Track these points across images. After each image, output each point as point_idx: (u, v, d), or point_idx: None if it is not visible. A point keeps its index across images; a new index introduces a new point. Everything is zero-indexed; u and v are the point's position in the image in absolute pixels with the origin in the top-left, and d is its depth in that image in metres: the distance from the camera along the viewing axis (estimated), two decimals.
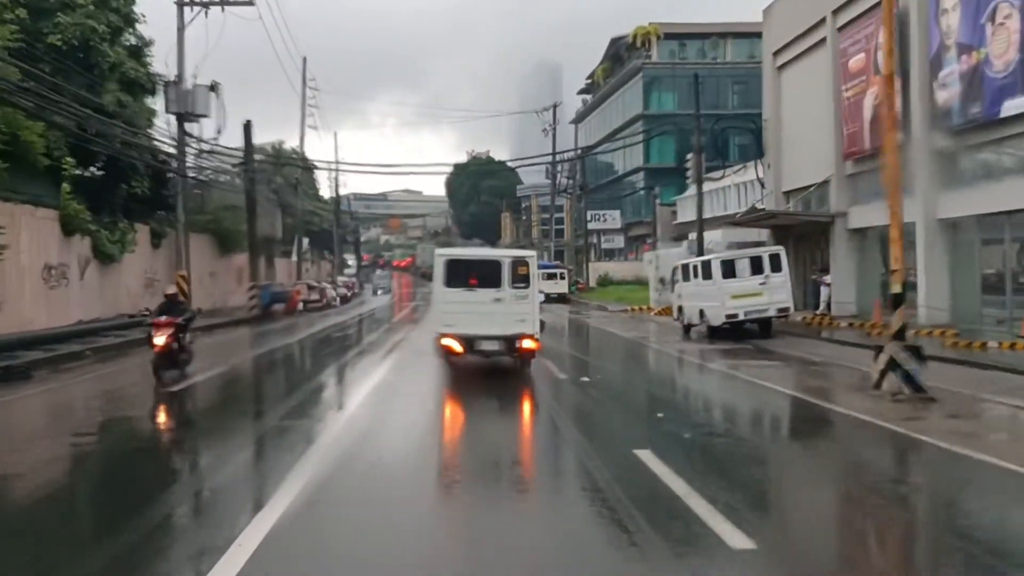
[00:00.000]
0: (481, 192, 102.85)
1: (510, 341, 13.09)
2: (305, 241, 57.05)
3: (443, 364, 14.55)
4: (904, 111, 19.33)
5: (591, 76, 74.62)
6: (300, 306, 38.66)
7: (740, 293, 19.14)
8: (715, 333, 20.03)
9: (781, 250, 20.11)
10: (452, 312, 13.37)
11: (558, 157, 51.41)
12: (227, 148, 30.31)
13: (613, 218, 56.09)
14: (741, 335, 19.95)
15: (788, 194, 28.89)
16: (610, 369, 16.96)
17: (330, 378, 16.16)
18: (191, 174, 32.55)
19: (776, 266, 19.44)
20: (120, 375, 15.81)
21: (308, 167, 52.56)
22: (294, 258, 55.41)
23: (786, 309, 19.63)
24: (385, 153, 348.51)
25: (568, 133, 70.92)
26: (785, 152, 28.93)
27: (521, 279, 13.13)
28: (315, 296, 45.35)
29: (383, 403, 11.92)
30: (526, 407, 11.89)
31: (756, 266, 19.39)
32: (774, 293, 19.27)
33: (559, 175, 55.49)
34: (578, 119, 73.90)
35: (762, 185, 31.02)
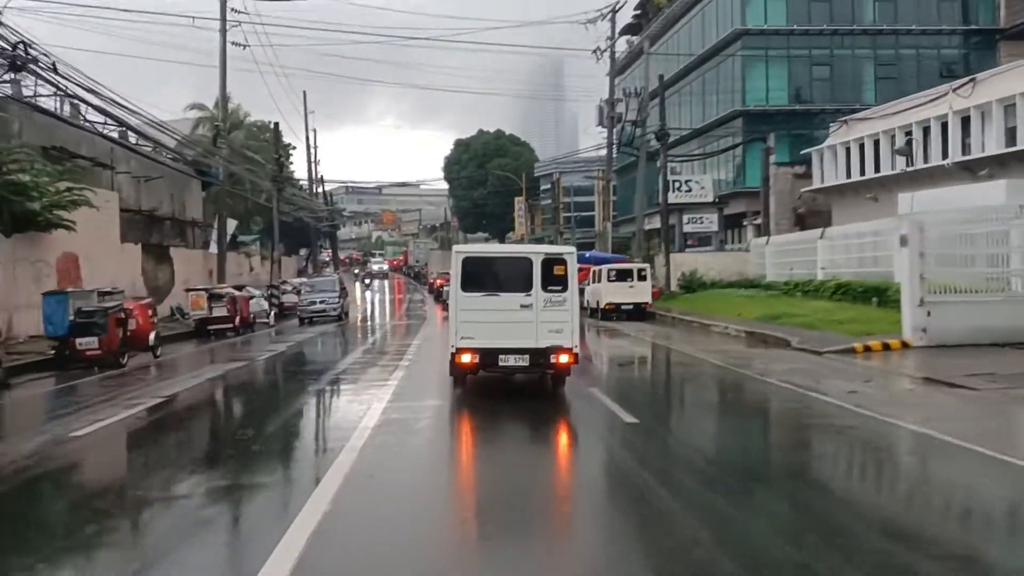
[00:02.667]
0: (488, 175, 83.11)
1: (541, 355, 10.76)
2: (232, 225, 37.26)
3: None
4: None
5: (641, 4, 54.95)
6: (152, 338, 19.08)
7: None
8: None
9: None
10: (471, 321, 10.89)
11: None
12: None
13: (702, 186, 36.65)
14: None
15: None
16: None
17: None
18: None
19: None
20: None
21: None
22: (213, 249, 35.72)
23: None
24: (383, 149, 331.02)
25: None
26: None
27: (556, 281, 10.90)
28: (221, 311, 25.92)
29: None
30: None
31: None
32: None
33: (621, 122, 35.91)
34: (631, 57, 54.17)
35: None
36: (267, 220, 63.58)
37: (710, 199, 37.44)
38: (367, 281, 56.01)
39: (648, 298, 28.44)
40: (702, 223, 36.95)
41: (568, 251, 11.56)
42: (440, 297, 41.65)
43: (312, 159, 70.97)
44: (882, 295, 22.28)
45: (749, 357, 15.98)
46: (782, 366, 14.24)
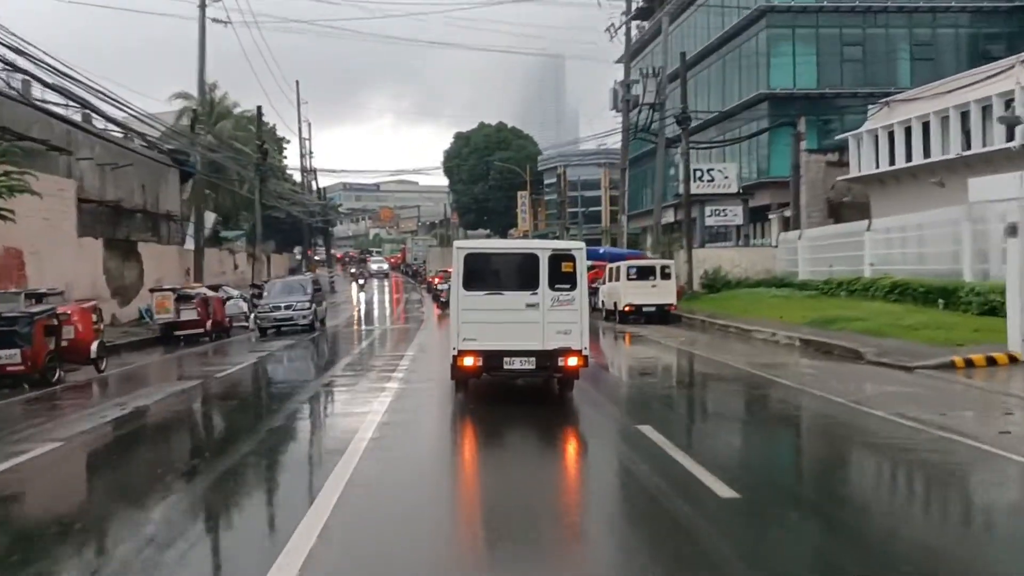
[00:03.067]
0: (490, 168, 79.89)
1: (549, 358, 10.05)
2: (211, 218, 34.15)
3: None
4: None
5: None
6: (94, 349, 15.92)
7: None
8: None
9: None
10: (473, 322, 10.17)
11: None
12: None
13: (725, 176, 33.47)
14: None
15: None
16: None
17: None
18: None
19: None
20: None
21: None
22: (188, 245, 32.56)
23: None
24: (382, 147, 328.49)
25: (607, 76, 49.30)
26: None
27: (564, 278, 10.19)
28: (191, 314, 22.87)
29: None
30: None
31: None
32: None
33: (637, 106, 32.86)
34: (643, 43, 50.94)
35: None
36: (267, 219, 60.40)
37: (734, 190, 34.28)
38: (361, 282, 52.26)
39: (673, 299, 25.36)
40: (725, 216, 33.82)
41: (577, 247, 10.72)
42: (438, 297, 38.76)
43: (304, 152, 68.03)
44: (950, 296, 19.27)
45: (823, 375, 12.86)
46: (875, 388, 11.17)
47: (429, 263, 65.00)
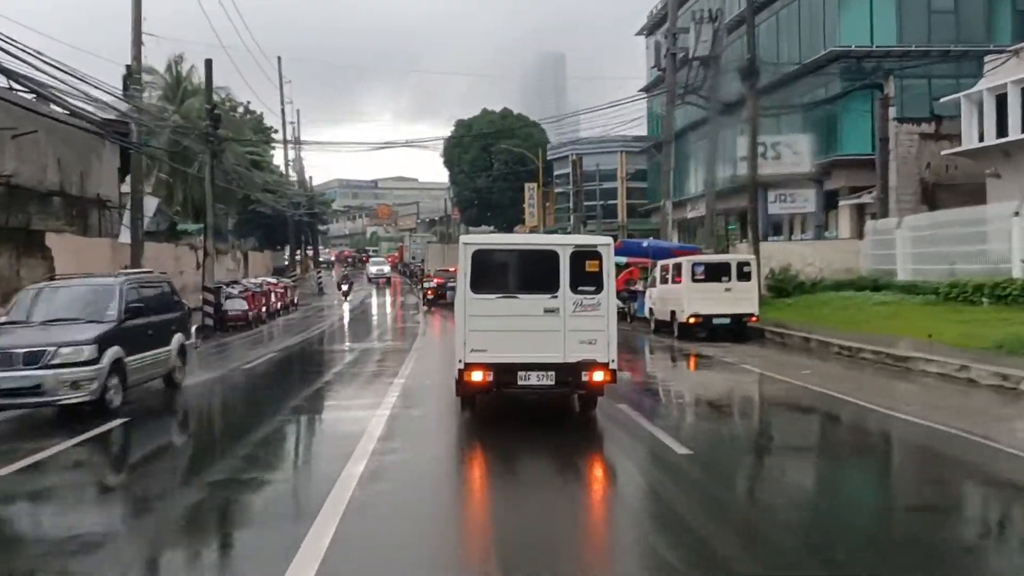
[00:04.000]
0: (492, 160, 73.30)
1: (571, 371, 8.89)
2: (152, 203, 27.55)
3: None
4: None
5: None
6: None
7: None
8: None
9: None
10: (483, 330, 8.97)
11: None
12: None
13: (795, 151, 26.81)
14: None
15: None
16: None
17: None
18: None
19: None
20: None
21: None
22: (124, 237, 25.87)
23: None
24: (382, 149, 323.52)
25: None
26: None
27: (589, 279, 9.03)
28: None
29: None
30: None
31: None
32: None
33: (685, 64, 26.27)
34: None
35: None
36: (238, 210, 53.72)
37: (807, 169, 27.60)
38: (345, 287, 44.93)
39: (754, 307, 18.83)
40: (794, 202, 27.19)
41: (603, 242, 9.42)
42: (425, 294, 33.92)
43: (287, 136, 61.59)
44: None
45: None
46: None
47: (428, 262, 58.49)
